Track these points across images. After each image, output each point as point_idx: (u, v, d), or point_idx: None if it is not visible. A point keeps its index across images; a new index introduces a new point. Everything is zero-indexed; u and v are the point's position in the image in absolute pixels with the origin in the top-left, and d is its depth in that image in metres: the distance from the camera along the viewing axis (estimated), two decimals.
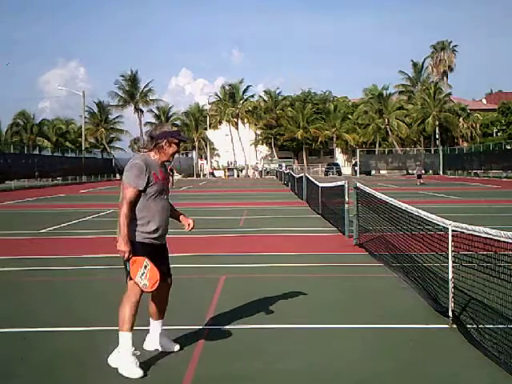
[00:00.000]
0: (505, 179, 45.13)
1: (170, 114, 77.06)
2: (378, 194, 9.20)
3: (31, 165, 42.96)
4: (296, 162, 76.59)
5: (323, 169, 69.39)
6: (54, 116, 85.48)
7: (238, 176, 71.65)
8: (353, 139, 72.72)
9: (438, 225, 5.83)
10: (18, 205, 23.34)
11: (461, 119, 69.45)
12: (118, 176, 58.23)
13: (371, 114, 70.93)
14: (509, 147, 50.71)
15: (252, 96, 76.68)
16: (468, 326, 5.06)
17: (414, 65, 74.43)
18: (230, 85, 76.14)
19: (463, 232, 5.15)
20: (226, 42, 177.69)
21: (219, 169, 76.45)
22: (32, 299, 6.61)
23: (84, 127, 61.32)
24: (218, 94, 76.91)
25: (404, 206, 7.43)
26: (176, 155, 4.57)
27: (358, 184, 10.65)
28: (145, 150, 4.37)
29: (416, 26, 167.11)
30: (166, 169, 4.48)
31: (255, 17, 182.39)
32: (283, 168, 56.58)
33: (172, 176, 38.44)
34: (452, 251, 5.36)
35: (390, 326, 5.37)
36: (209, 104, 76.79)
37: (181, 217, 4.72)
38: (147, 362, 4.36)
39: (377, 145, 71.75)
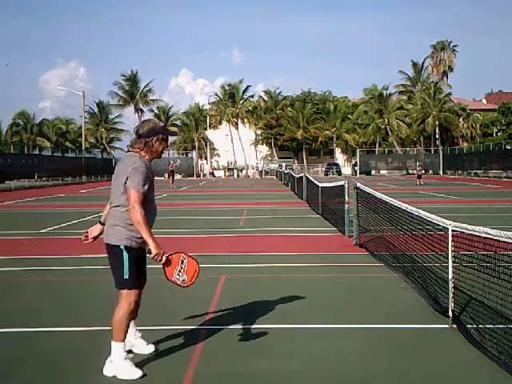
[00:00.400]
0: (505, 179, 45.12)
1: (170, 113, 77.12)
2: (378, 194, 9.20)
3: (31, 165, 42.95)
4: (296, 161, 76.58)
5: (323, 169, 69.36)
6: (54, 116, 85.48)
7: (238, 176, 71.64)
8: (353, 139, 72.73)
9: (438, 225, 5.83)
10: (17, 205, 23.34)
11: (461, 119, 69.46)
12: None
13: (371, 114, 70.95)
14: (509, 147, 50.68)
15: (252, 96, 76.83)
16: (468, 326, 5.06)
17: (414, 65, 74.44)
18: (229, 85, 76.20)
19: (463, 232, 5.15)
20: (226, 42, 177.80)
21: (219, 169, 76.44)
22: (32, 299, 6.61)
23: (84, 127, 61.28)
24: (218, 94, 77.01)
25: (404, 205, 7.43)
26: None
27: (358, 184, 10.66)
28: (133, 149, 4.26)
29: (416, 26, 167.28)
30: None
31: (255, 17, 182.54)
32: (283, 168, 56.57)
33: (173, 176, 38.42)
34: (452, 251, 5.36)
35: (389, 326, 5.37)
36: (209, 104, 76.79)
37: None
38: (147, 362, 4.37)
39: (377, 145, 71.74)
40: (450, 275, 5.34)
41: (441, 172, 63.33)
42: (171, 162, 39.88)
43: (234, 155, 75.46)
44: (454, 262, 5.35)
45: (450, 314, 5.31)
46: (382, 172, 70.44)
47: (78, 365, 4.41)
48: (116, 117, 75.77)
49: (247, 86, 75.29)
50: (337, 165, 70.65)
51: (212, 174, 72.76)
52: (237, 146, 74.76)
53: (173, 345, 4.80)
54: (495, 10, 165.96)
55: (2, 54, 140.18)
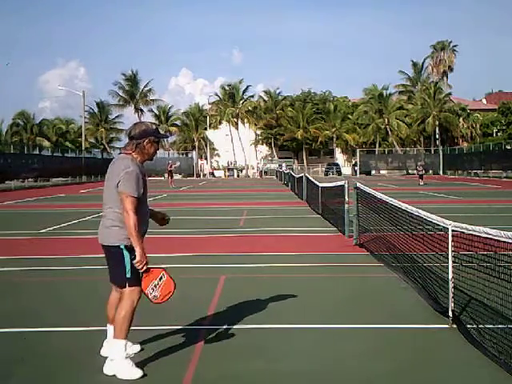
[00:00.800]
0: (505, 179, 45.11)
1: (170, 113, 77.13)
2: (378, 194, 9.20)
3: (31, 165, 42.95)
4: (296, 162, 76.59)
5: (323, 169, 69.36)
6: (54, 116, 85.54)
7: (238, 176, 71.63)
8: (353, 139, 72.74)
9: (438, 225, 5.83)
10: (17, 205, 23.34)
11: (461, 119, 69.47)
12: None
13: (371, 114, 70.96)
14: (509, 147, 50.69)
15: (252, 96, 76.86)
16: (468, 326, 5.06)
17: (414, 65, 74.46)
18: (229, 85, 76.22)
19: (463, 232, 5.14)
20: (226, 42, 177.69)
21: (219, 169, 76.42)
22: (32, 299, 6.61)
23: (84, 127, 61.30)
24: (218, 94, 77.03)
25: (404, 205, 7.43)
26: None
27: (358, 184, 10.66)
28: (125, 151, 4.26)
29: (416, 25, 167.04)
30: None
31: (255, 17, 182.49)
32: (283, 168, 56.58)
33: (172, 176, 38.49)
34: (452, 251, 5.36)
35: (390, 326, 5.37)
36: (209, 104, 76.80)
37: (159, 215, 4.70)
38: (147, 363, 4.36)
39: (377, 145, 71.76)
40: (450, 275, 5.34)
41: (441, 172, 63.34)
42: (170, 162, 40.04)
43: (234, 155, 75.47)
44: (453, 262, 5.35)
45: (450, 313, 5.31)
46: (382, 172, 70.44)
47: (77, 365, 4.41)
48: (116, 117, 75.87)
49: (247, 86, 75.45)
50: (337, 165, 70.65)
51: (212, 174, 72.76)
52: (237, 146, 74.77)
53: (173, 345, 4.79)
54: (495, 10, 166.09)
55: (2, 53, 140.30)
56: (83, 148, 58.84)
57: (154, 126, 4.44)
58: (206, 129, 75.02)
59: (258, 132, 77.48)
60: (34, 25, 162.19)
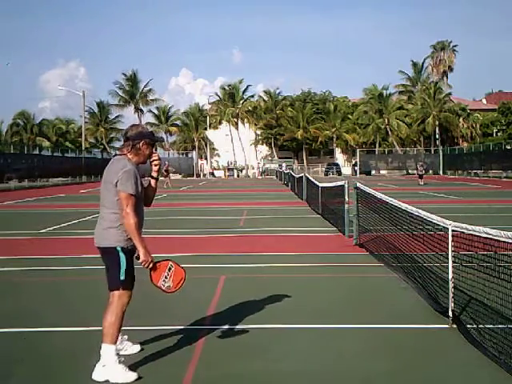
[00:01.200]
0: (505, 179, 45.10)
1: (170, 113, 77.13)
2: (378, 194, 9.20)
3: (31, 165, 42.94)
4: (296, 161, 76.58)
5: (323, 169, 69.34)
6: (54, 116, 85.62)
7: (238, 176, 71.63)
8: (353, 139, 72.72)
9: (438, 225, 5.83)
10: (17, 205, 23.34)
11: (461, 119, 69.45)
12: None
13: (371, 114, 70.93)
14: (509, 147, 50.69)
15: (252, 96, 76.80)
16: (468, 326, 5.06)
17: (414, 65, 74.40)
18: (229, 85, 76.19)
19: (463, 232, 5.15)
20: (226, 41, 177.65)
21: (219, 169, 76.41)
22: (32, 299, 6.61)
23: (84, 127, 61.29)
24: (218, 94, 76.99)
25: (404, 205, 7.43)
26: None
27: (358, 184, 10.66)
28: (121, 152, 4.28)
29: (416, 26, 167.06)
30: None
31: (255, 17, 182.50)
32: (283, 168, 56.58)
33: (168, 176, 38.50)
34: (452, 251, 5.36)
35: (389, 326, 5.37)
36: (209, 104, 76.80)
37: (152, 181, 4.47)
38: (147, 362, 4.36)
39: (377, 145, 71.74)
40: (450, 275, 5.34)
41: (441, 172, 63.33)
42: (166, 163, 40.18)
43: (234, 155, 75.45)
44: (453, 262, 5.35)
45: (450, 313, 5.31)
46: (382, 172, 70.43)
47: (77, 365, 4.40)
48: (116, 117, 75.75)
49: (247, 86, 75.39)
50: (337, 165, 70.64)
51: (212, 174, 72.76)
52: (237, 146, 74.76)
53: (173, 345, 4.80)
54: (495, 10, 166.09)
55: (2, 53, 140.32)
56: (83, 148, 58.83)
57: (150, 129, 4.46)
58: (206, 129, 75.01)
59: (258, 132, 77.46)
60: (34, 25, 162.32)
